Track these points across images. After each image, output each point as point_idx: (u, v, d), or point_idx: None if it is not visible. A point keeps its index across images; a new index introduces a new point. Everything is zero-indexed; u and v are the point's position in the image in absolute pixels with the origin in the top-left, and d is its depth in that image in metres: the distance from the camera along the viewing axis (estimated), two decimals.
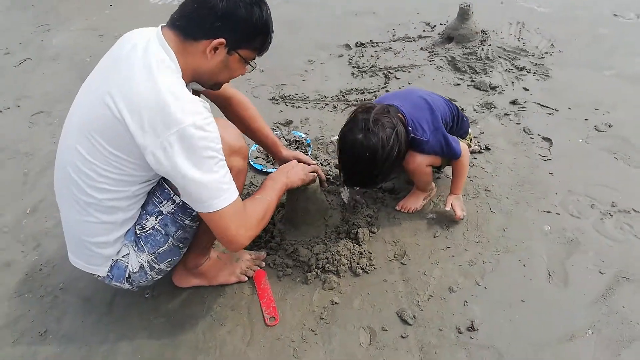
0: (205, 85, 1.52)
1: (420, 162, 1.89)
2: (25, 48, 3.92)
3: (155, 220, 1.51)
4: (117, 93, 1.28)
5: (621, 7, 3.57)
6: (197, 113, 1.28)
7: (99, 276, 1.57)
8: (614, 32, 3.30)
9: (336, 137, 2.00)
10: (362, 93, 2.89)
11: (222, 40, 1.35)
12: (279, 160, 2.03)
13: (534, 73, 2.92)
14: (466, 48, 3.19)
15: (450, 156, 1.92)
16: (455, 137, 1.95)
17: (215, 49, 1.36)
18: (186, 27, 1.35)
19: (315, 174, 1.88)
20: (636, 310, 1.63)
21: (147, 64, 1.30)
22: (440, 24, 3.59)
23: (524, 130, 2.47)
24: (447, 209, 1.98)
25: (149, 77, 1.28)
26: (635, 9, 3.54)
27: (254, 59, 1.49)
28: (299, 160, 1.94)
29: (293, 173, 1.75)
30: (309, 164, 1.93)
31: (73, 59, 3.65)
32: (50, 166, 2.54)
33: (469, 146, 2.14)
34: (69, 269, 1.93)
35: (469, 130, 2.17)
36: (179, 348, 1.64)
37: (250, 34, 1.41)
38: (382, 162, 1.71)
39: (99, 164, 1.35)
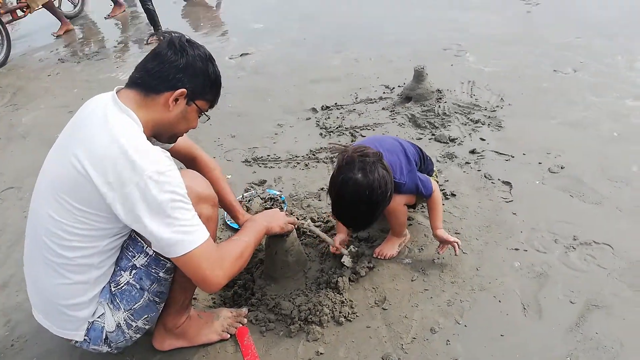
0: (162, 138, 1.60)
1: (399, 201, 1.98)
2: None
3: (130, 275, 1.52)
4: (80, 152, 1.34)
5: (559, 64, 3.94)
6: (158, 162, 1.35)
7: (76, 342, 1.54)
8: (555, 85, 3.62)
9: (307, 221, 2.09)
10: (332, 151, 3.02)
11: (184, 90, 1.46)
12: (239, 222, 2.02)
13: (488, 125, 3.14)
14: (424, 106, 3.42)
15: (424, 194, 2.01)
16: (426, 175, 2.08)
17: (176, 99, 1.47)
18: (148, 82, 1.46)
19: (292, 226, 1.94)
20: (609, 335, 1.70)
21: (106, 122, 1.37)
22: (398, 86, 3.84)
23: (485, 176, 2.62)
24: (443, 250, 2.06)
25: (109, 133, 1.35)
26: (572, 64, 3.91)
27: (207, 110, 1.61)
28: None
29: (274, 219, 1.81)
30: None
31: (43, 135, 3.70)
32: (20, 241, 2.51)
33: (437, 182, 2.26)
34: (43, 342, 1.89)
35: (434, 169, 2.32)
36: None
37: (207, 85, 1.54)
38: (382, 200, 1.74)
39: (67, 222, 1.38)
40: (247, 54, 4.97)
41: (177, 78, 1.45)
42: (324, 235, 2.11)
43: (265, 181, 2.78)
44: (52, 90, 4.67)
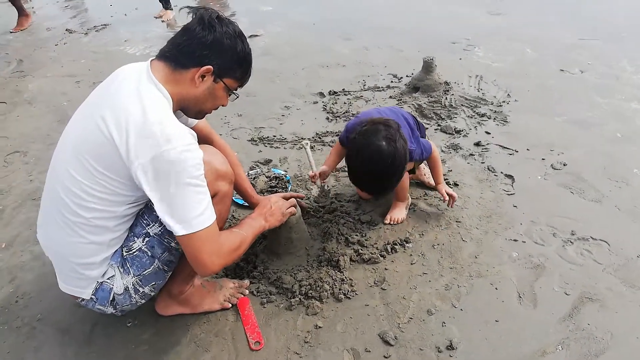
0: (189, 113, 1.62)
1: None
2: (0, 92, 3.94)
3: (143, 242, 1.55)
4: (108, 116, 1.37)
5: (566, 63, 3.97)
6: (181, 138, 1.37)
7: (82, 299, 1.57)
8: (562, 84, 3.65)
9: (307, 142, 2.11)
10: (337, 135, 3.04)
11: (210, 67, 1.47)
12: (252, 204, 2.07)
13: (494, 119, 3.17)
14: (431, 97, 3.44)
15: (427, 156, 2.18)
16: (424, 139, 2.23)
17: (203, 76, 1.49)
18: (176, 57, 1.47)
19: (294, 208, 1.95)
20: (600, 327, 1.74)
21: (137, 92, 1.39)
22: (407, 75, 3.86)
23: (488, 169, 2.66)
24: (446, 198, 2.23)
25: (139, 103, 1.37)
26: (579, 65, 3.94)
27: (236, 89, 1.62)
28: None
29: (272, 217, 1.81)
30: (290, 197, 2.02)
31: (49, 102, 3.70)
32: (25, 203, 2.53)
33: None
34: (47, 300, 1.93)
35: (425, 134, 2.46)
36: None
37: (234, 63, 1.54)
38: (402, 169, 1.88)
39: (88, 184, 1.41)
40: (256, 35, 4.97)
41: (203, 54, 1.46)
42: (312, 161, 2.17)
43: (270, 160, 2.81)
44: (59, 59, 4.65)
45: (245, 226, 1.68)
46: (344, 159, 2.12)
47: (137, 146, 1.33)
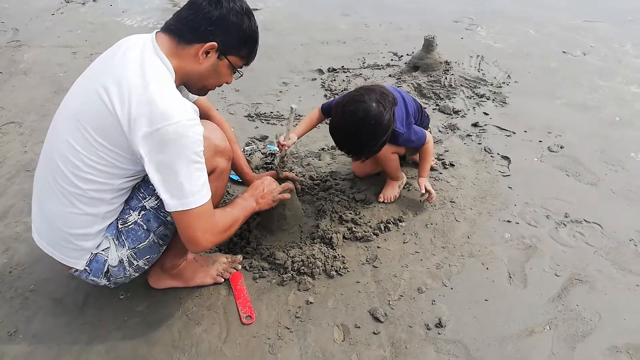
0: (192, 89, 1.59)
1: (389, 150, 2.11)
2: None
3: (138, 215, 1.54)
4: (111, 86, 1.34)
5: (569, 46, 3.92)
6: (184, 112, 1.34)
7: (75, 270, 1.58)
8: (563, 66, 3.61)
9: (295, 106, 2.05)
10: None
11: (214, 43, 1.44)
12: (246, 181, 2.08)
13: (493, 100, 3.15)
14: (431, 76, 3.41)
15: (418, 145, 2.17)
16: (421, 128, 2.19)
17: (207, 52, 1.46)
18: (181, 31, 1.44)
19: (287, 194, 1.92)
20: (589, 308, 1.76)
21: (141, 64, 1.37)
22: (407, 54, 3.82)
23: (485, 150, 2.65)
24: (422, 191, 2.18)
25: (142, 75, 1.34)
26: (581, 47, 3.89)
27: (242, 67, 1.59)
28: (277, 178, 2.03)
29: (263, 200, 1.79)
30: (285, 177, 2.03)
31: (45, 72, 3.66)
32: (20, 174, 2.52)
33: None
34: (40, 271, 1.93)
35: (429, 126, 2.42)
36: (154, 346, 1.64)
37: (240, 41, 1.50)
38: (379, 136, 1.87)
39: (87, 155, 1.39)
40: (256, 9, 4.89)
41: (208, 30, 1.43)
42: (290, 129, 2.03)
43: (267, 137, 2.79)
44: (56, 29, 4.58)
45: (237, 206, 1.66)
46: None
47: (138, 119, 1.31)
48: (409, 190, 2.35)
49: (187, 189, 1.35)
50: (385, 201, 2.26)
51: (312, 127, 2.22)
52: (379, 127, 1.84)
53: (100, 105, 1.34)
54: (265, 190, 1.82)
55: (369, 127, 1.83)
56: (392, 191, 2.28)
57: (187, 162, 1.34)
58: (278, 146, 2.05)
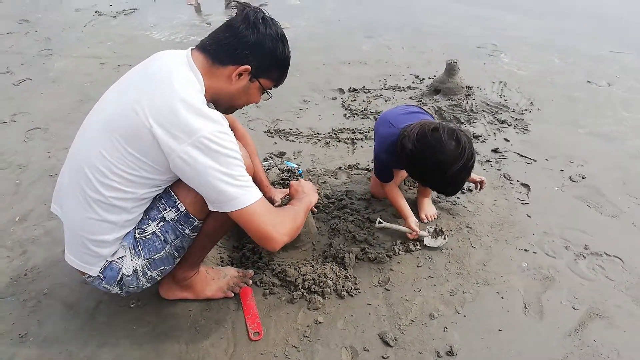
0: (220, 108, 1.60)
1: None
2: (27, 69, 4.03)
3: (157, 226, 1.56)
4: (145, 102, 1.36)
5: (594, 75, 3.88)
6: (219, 122, 1.38)
7: (89, 276, 1.59)
8: (587, 95, 3.56)
9: (379, 221, 2.13)
10: (354, 132, 3.03)
11: (248, 67, 1.48)
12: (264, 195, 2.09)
13: (514, 127, 3.12)
14: (452, 100, 3.39)
15: None
16: None
17: (240, 74, 1.49)
18: (216, 52, 1.47)
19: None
20: (606, 344, 1.70)
21: (175, 80, 1.39)
22: (429, 77, 3.82)
23: (504, 176, 2.61)
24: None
25: (176, 90, 1.37)
26: (606, 77, 3.85)
27: (271, 89, 1.62)
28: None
29: (313, 195, 1.81)
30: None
31: (73, 82, 3.76)
32: (42, 179, 2.58)
33: None
34: (55, 275, 1.96)
35: None
36: (162, 357, 1.64)
37: (273, 65, 1.54)
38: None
39: (114, 162, 1.41)
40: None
41: (243, 54, 1.47)
42: (398, 227, 2.13)
43: (284, 153, 2.81)
44: (86, 40, 4.72)
45: (297, 202, 1.68)
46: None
47: (179, 131, 1.33)
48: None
49: (239, 187, 1.37)
50: (430, 220, 2.27)
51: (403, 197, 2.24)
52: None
53: (134, 118, 1.36)
54: (307, 188, 1.84)
55: (474, 161, 1.87)
56: (431, 208, 2.31)
57: (232, 163, 1.37)
58: (413, 238, 2.13)
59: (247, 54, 1.47)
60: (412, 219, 2.13)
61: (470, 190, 2.49)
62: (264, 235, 1.41)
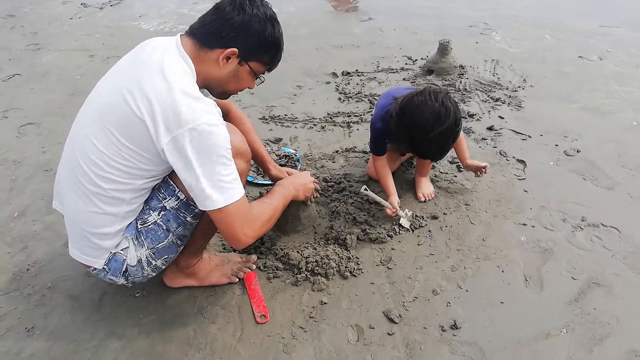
0: (214, 93, 1.61)
1: None
2: (15, 64, 3.97)
3: (158, 215, 1.56)
4: (136, 90, 1.35)
5: (585, 50, 3.89)
6: (210, 113, 1.36)
7: (94, 269, 1.59)
8: (579, 71, 3.58)
9: (365, 188, 2.14)
10: (349, 116, 3.03)
11: (235, 50, 1.45)
12: (270, 177, 2.10)
13: (508, 104, 3.13)
14: (445, 80, 3.40)
15: None
16: None
17: (228, 58, 1.47)
18: (203, 35, 1.46)
19: (316, 194, 2.00)
20: (606, 311, 1.74)
21: (165, 66, 1.38)
22: (421, 58, 3.82)
23: (500, 153, 2.63)
24: (481, 175, 2.33)
25: (166, 78, 1.36)
26: (598, 52, 3.86)
27: (263, 73, 1.60)
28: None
29: (302, 189, 1.84)
30: None
31: (63, 76, 3.72)
32: (37, 174, 2.56)
33: None
34: (58, 269, 1.96)
35: None
36: (170, 343, 1.65)
37: (262, 47, 1.51)
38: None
39: (109, 155, 1.41)
40: None
41: (230, 36, 1.44)
42: (380, 199, 2.15)
43: (281, 139, 2.81)
44: (73, 33, 4.66)
45: (275, 195, 1.70)
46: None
47: (169, 122, 1.32)
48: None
49: (219, 188, 1.37)
50: (427, 199, 2.29)
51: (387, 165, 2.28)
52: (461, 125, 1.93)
53: (125, 108, 1.36)
54: (308, 183, 1.88)
55: (459, 127, 1.91)
56: (429, 187, 2.33)
57: (216, 161, 1.35)
58: (392, 215, 2.13)
59: (234, 36, 1.44)
60: (395, 198, 2.17)
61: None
62: (229, 235, 1.44)
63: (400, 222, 2.12)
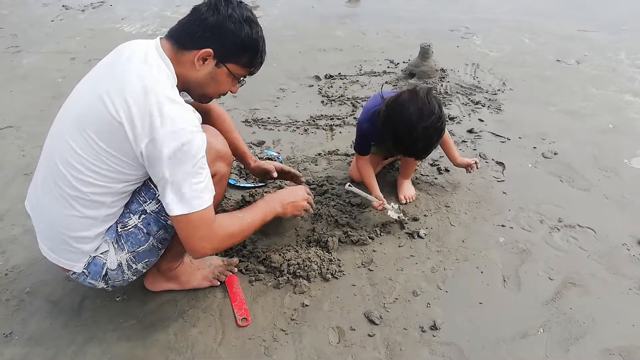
0: (193, 95, 1.60)
1: None
2: None
3: (139, 219, 1.55)
4: (115, 93, 1.35)
5: (563, 54, 3.98)
6: (187, 120, 1.36)
7: (73, 273, 1.58)
8: (557, 74, 3.66)
9: (349, 184, 2.15)
10: (332, 119, 3.05)
11: (209, 50, 1.45)
12: (250, 170, 2.12)
13: (488, 107, 3.18)
14: (427, 83, 3.44)
15: None
16: None
17: (204, 59, 1.46)
18: (180, 37, 1.46)
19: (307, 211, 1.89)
20: (582, 311, 1.78)
21: (145, 70, 1.38)
22: (403, 62, 3.86)
23: (480, 155, 2.67)
24: (472, 171, 2.39)
25: (145, 81, 1.35)
26: (575, 56, 3.95)
27: (245, 76, 1.59)
28: (280, 171, 2.13)
29: (290, 206, 1.77)
30: (288, 172, 2.14)
31: (43, 78, 3.68)
32: (17, 178, 2.53)
33: None
34: (36, 274, 1.94)
35: None
36: (150, 348, 1.65)
37: (238, 49, 1.50)
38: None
39: (88, 158, 1.40)
40: None
41: (205, 37, 1.43)
42: (366, 194, 2.16)
43: (264, 142, 2.82)
44: (55, 35, 4.61)
45: (255, 210, 1.64)
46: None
47: (142, 127, 1.32)
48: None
49: (187, 195, 1.35)
50: (408, 201, 2.31)
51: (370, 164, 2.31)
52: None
53: (103, 111, 1.35)
54: (299, 200, 1.80)
55: (443, 124, 1.95)
56: (410, 189, 2.36)
57: (188, 169, 1.35)
58: (379, 208, 2.14)
59: (209, 36, 1.43)
60: (379, 192, 2.20)
61: (447, 170, 2.54)
62: (186, 244, 1.44)
63: (389, 214, 2.15)
